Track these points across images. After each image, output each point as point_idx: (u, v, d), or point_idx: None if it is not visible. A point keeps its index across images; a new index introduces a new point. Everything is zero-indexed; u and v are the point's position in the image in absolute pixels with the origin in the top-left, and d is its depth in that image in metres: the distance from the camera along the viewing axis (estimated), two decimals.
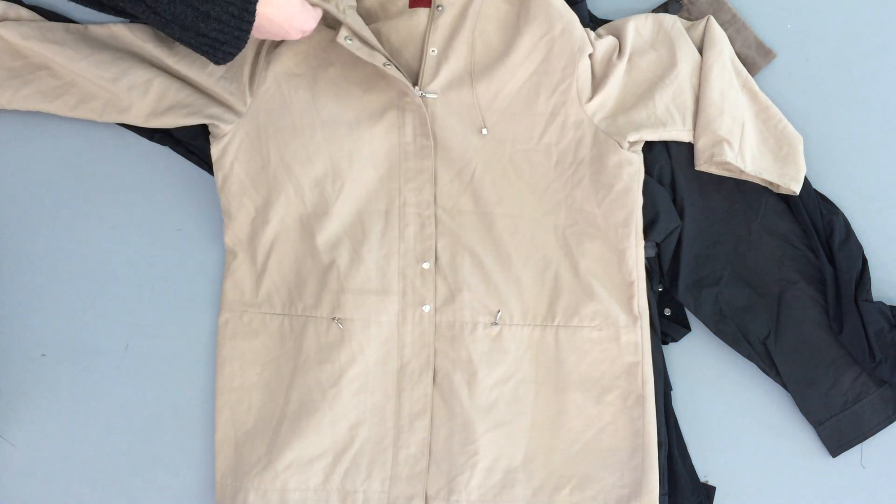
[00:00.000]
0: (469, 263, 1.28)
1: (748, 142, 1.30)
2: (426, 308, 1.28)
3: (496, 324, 1.27)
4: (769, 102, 1.34)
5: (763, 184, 1.33)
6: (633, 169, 1.28)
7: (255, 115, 1.29)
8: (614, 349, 1.27)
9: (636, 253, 1.28)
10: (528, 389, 1.27)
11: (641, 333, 1.28)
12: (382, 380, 1.27)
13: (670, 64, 1.31)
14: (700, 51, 1.33)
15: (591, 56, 1.29)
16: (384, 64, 1.23)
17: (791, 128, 1.34)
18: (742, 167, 1.29)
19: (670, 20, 1.33)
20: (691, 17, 1.38)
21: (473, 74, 1.29)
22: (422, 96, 1.27)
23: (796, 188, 1.30)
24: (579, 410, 1.27)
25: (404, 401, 1.27)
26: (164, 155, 1.38)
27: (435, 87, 1.29)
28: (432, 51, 1.29)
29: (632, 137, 1.28)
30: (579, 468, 1.27)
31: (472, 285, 1.28)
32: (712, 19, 1.34)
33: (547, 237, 1.29)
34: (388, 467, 1.26)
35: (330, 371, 1.26)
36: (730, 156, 1.27)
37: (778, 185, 1.32)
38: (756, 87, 1.34)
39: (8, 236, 1.37)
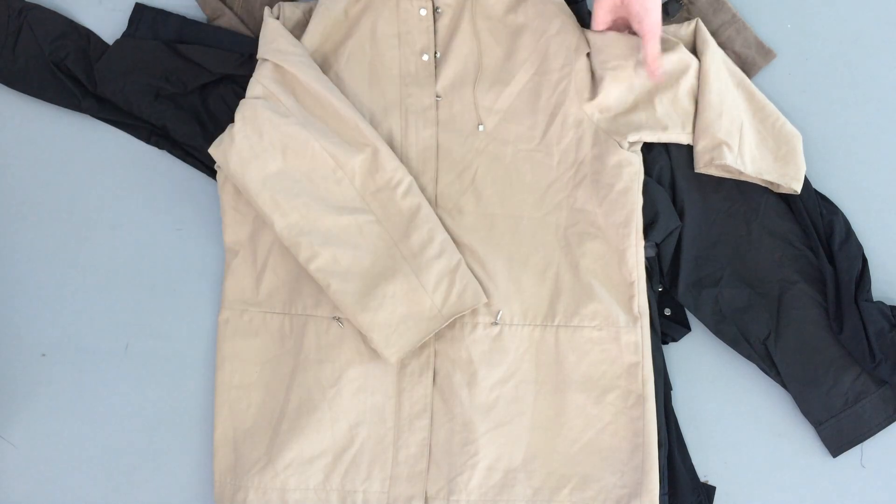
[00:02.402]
0: (469, 263, 1.28)
1: (747, 143, 1.30)
2: None
3: (496, 324, 1.27)
4: (766, 101, 1.34)
5: (763, 184, 1.33)
6: (633, 169, 1.28)
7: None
8: (614, 349, 1.27)
9: (636, 253, 1.28)
10: (529, 389, 1.27)
11: (641, 333, 1.27)
12: (382, 380, 1.27)
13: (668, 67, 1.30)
14: (693, 53, 1.32)
15: (588, 55, 1.29)
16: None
17: (789, 125, 1.33)
18: (742, 169, 1.28)
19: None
20: (691, 17, 1.37)
21: (475, 76, 1.29)
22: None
23: (797, 187, 1.30)
24: (579, 410, 1.27)
25: (404, 401, 1.27)
26: (164, 155, 1.38)
27: (438, 88, 1.29)
28: (436, 53, 1.29)
29: (632, 138, 1.27)
30: (579, 468, 1.26)
31: None
32: (700, 21, 1.33)
33: (548, 237, 1.29)
34: (388, 467, 1.26)
35: (330, 370, 1.26)
36: (729, 158, 1.27)
37: (779, 185, 1.31)
38: (751, 85, 1.34)
39: (8, 236, 1.37)
